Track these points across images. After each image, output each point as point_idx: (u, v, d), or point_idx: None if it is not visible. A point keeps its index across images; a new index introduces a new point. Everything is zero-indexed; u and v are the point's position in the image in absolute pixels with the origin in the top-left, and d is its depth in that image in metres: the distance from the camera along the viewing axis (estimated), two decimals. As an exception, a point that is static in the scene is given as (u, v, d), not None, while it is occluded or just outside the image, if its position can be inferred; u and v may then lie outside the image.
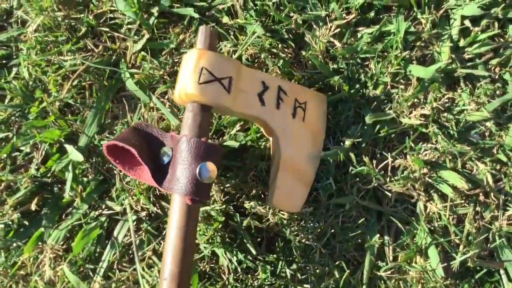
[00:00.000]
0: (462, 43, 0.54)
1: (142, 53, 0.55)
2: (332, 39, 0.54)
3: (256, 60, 0.55)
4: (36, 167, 0.56)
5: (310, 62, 0.54)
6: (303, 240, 0.53)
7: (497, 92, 0.53)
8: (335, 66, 0.54)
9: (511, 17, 0.54)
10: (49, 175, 0.56)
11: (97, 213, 0.55)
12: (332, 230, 0.53)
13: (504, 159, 0.51)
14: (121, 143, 0.44)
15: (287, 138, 0.50)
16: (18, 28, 0.57)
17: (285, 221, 0.53)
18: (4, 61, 0.57)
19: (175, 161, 0.44)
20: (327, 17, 0.55)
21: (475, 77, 0.53)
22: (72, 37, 0.56)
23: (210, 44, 0.47)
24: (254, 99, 0.48)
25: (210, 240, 0.52)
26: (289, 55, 0.55)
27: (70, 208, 0.56)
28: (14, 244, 0.56)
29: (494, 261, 0.52)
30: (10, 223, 0.56)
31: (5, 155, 0.56)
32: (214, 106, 0.46)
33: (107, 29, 0.56)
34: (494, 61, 0.54)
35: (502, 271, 0.51)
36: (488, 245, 0.52)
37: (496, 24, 0.54)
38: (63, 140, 0.55)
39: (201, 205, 0.52)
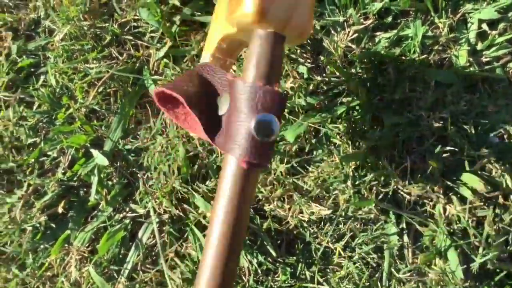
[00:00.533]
0: (479, 46, 0.54)
1: (165, 60, 0.56)
2: (350, 44, 0.55)
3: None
4: (62, 171, 0.58)
5: (328, 67, 0.55)
6: (322, 243, 0.54)
7: (516, 94, 0.53)
8: (353, 70, 0.55)
9: (528, 20, 0.54)
10: (75, 179, 0.58)
11: (121, 215, 0.57)
12: (351, 233, 0.54)
13: (523, 162, 0.52)
14: (169, 90, 0.37)
15: None
16: (46, 37, 0.59)
17: (304, 224, 0.54)
18: (32, 69, 0.60)
19: (230, 113, 0.35)
20: (345, 23, 0.56)
21: (493, 80, 0.54)
22: (97, 46, 0.58)
23: None
24: None
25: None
26: (308, 60, 0.56)
27: (96, 211, 0.58)
28: (42, 246, 0.58)
29: (514, 263, 0.52)
30: (38, 225, 0.58)
31: (33, 160, 0.58)
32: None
33: (131, 37, 0.57)
34: (511, 64, 0.54)
35: (522, 274, 0.51)
36: (508, 247, 0.52)
37: (514, 27, 0.54)
38: (88, 145, 0.57)
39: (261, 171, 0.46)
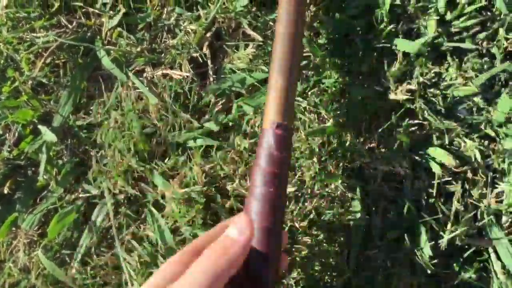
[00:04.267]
0: (448, 16, 0.52)
1: (118, 29, 0.52)
2: (317, 13, 0.52)
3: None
4: (8, 149, 0.53)
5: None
6: (288, 222, 0.51)
7: (485, 66, 0.52)
8: (320, 41, 0.52)
9: (499, -10, 0.53)
10: (22, 157, 0.54)
11: (73, 196, 0.53)
12: (318, 211, 0.52)
13: (492, 134, 0.50)
14: None
15: None
16: (-12, 4, 0.55)
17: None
18: (-27, 39, 0.55)
19: None
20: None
21: (463, 51, 0.52)
22: (44, 13, 0.53)
23: None
24: None
25: (191, 222, 0.51)
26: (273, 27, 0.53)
27: (45, 192, 0.54)
28: (-13, 230, 0.54)
29: (483, 239, 0.51)
30: (-18, 208, 0.54)
31: (-24, 137, 0.53)
32: None
33: (81, 4, 0.53)
34: (481, 35, 0.52)
35: (490, 250, 0.50)
36: (477, 223, 0.51)
37: (484, -3, 0.52)
38: (36, 121, 0.53)
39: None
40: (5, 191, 0.53)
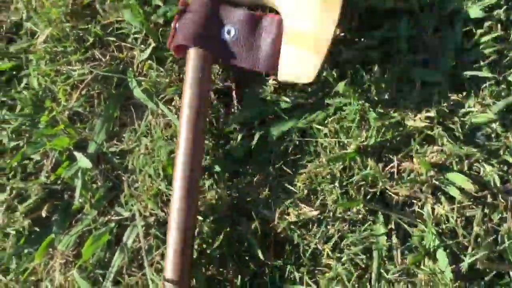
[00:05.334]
0: (466, 45, 0.54)
1: (149, 61, 0.56)
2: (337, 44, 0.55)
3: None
4: (46, 174, 0.57)
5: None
6: (311, 244, 0.53)
7: (502, 93, 0.53)
8: (340, 71, 0.55)
9: (515, 18, 0.54)
10: (59, 182, 0.57)
11: (106, 219, 0.56)
12: (340, 234, 0.53)
13: (511, 160, 0.51)
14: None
15: (289, 8, 0.50)
16: (28, 39, 0.59)
17: (292, 225, 0.53)
18: (14, 72, 0.59)
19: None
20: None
21: (480, 79, 0.53)
22: (80, 47, 0.57)
23: None
24: None
25: (218, 244, 0.53)
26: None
27: (80, 215, 0.57)
28: (25, 251, 0.57)
29: (503, 263, 0.51)
30: (21, 230, 0.57)
31: (16, 163, 0.57)
32: None
33: (114, 39, 0.57)
34: (498, 63, 0.54)
35: (511, 273, 0.51)
36: (497, 247, 0.52)
37: (499, 26, 0.54)
38: (72, 148, 0.56)
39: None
40: (43, 214, 0.56)
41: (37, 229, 0.57)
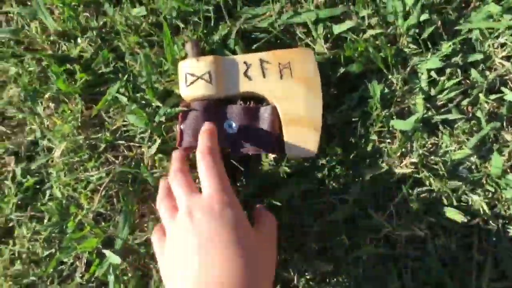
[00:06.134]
0: (433, 92, 0.60)
1: (159, 155, 0.62)
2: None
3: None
4: (80, 275, 0.62)
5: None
6: (331, 295, 0.58)
7: (474, 128, 0.59)
8: (327, 135, 0.61)
9: (471, 61, 0.61)
10: (92, 280, 0.62)
11: (141, 307, 0.61)
12: (356, 281, 0.58)
13: (493, 189, 0.57)
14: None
15: (280, 98, 0.58)
16: (45, 155, 0.64)
17: (311, 283, 0.58)
18: (37, 186, 0.65)
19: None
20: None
21: (451, 120, 0.60)
22: (93, 154, 0.63)
23: (196, 53, 0.59)
24: (239, 78, 0.59)
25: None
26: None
27: (117, 308, 0.61)
28: None
29: (505, 281, 0.56)
30: (66, 331, 0.61)
31: (51, 270, 0.62)
32: (205, 98, 0.58)
33: (123, 142, 0.63)
34: (464, 102, 0.60)
35: (516, 290, 0.56)
36: (497, 267, 0.57)
37: (459, 71, 0.61)
38: (100, 246, 0.61)
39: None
40: (84, 313, 0.60)
41: (80, 327, 0.61)
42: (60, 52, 0.67)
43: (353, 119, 0.61)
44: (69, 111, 0.64)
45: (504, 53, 0.61)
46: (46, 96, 0.65)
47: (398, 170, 0.59)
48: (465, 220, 0.57)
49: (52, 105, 0.66)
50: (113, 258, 0.60)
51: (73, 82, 0.64)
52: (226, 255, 0.46)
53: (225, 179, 0.51)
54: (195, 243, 0.47)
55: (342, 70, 0.61)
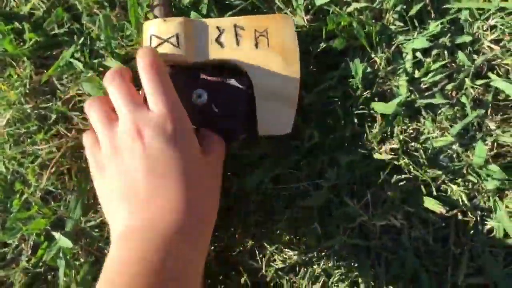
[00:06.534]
0: (417, 74, 0.57)
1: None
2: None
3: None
4: (26, 259, 0.56)
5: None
6: (302, 287, 0.55)
7: (457, 115, 0.56)
8: (303, 115, 0.56)
9: (458, 43, 0.57)
10: (40, 264, 0.56)
11: (94, 294, 0.55)
12: (326, 272, 0.55)
13: (474, 179, 0.54)
14: None
15: (254, 68, 0.53)
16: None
17: (280, 272, 0.55)
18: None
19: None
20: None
21: (435, 105, 0.56)
22: (43, 126, 0.57)
23: (165, 14, 0.53)
24: (211, 45, 0.52)
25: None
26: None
27: (67, 294, 0.56)
28: None
29: (482, 276, 0.54)
30: (9, 319, 0.56)
31: (-7, 252, 0.56)
32: (173, 63, 0.52)
33: (78, 113, 0.57)
34: (449, 86, 0.57)
35: (492, 285, 0.54)
36: (474, 262, 0.55)
37: (446, 53, 0.57)
38: (49, 228, 0.55)
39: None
40: (29, 300, 0.55)
41: (24, 314, 0.56)
42: (8, 8, 0.60)
43: (332, 100, 0.56)
44: (16, 76, 0.57)
45: (493, 36, 0.57)
46: (-10, 57, 0.58)
47: (377, 156, 0.55)
48: (443, 212, 0.54)
49: (-4, 68, 0.58)
50: (63, 241, 0.54)
51: (21, 43, 0.58)
52: (174, 186, 0.43)
53: (174, 95, 0.46)
54: (143, 167, 0.43)
55: (323, 45, 0.56)
